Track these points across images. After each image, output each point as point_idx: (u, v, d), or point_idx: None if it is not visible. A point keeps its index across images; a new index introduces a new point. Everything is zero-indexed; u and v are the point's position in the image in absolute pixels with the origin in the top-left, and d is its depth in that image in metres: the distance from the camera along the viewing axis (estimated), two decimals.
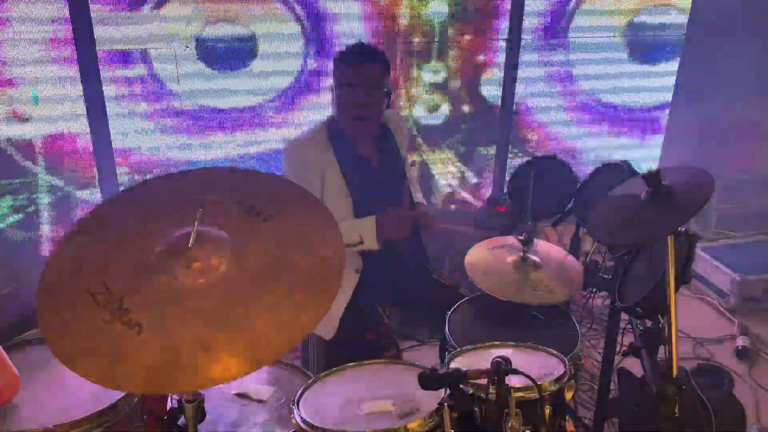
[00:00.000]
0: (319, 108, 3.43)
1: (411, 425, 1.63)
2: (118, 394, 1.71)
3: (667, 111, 4.21)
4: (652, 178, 1.83)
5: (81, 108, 3.11)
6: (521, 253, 2.41)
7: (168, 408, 1.70)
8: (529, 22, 3.70)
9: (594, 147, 4.16)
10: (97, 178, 3.24)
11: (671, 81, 4.13)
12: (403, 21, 3.48)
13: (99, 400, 1.68)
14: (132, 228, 1.53)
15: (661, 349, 1.83)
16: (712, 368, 3.14)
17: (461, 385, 1.63)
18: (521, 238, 2.39)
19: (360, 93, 2.36)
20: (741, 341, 3.37)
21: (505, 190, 3.07)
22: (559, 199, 2.82)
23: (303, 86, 3.42)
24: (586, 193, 2.70)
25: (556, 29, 3.79)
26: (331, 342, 2.46)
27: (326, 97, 2.56)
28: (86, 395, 1.72)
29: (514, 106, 3.86)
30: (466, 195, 3.97)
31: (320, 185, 2.40)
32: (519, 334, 2.03)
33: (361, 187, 2.46)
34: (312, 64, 3.40)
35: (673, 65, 4.09)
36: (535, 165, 2.94)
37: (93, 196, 3.28)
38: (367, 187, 2.48)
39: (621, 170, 2.60)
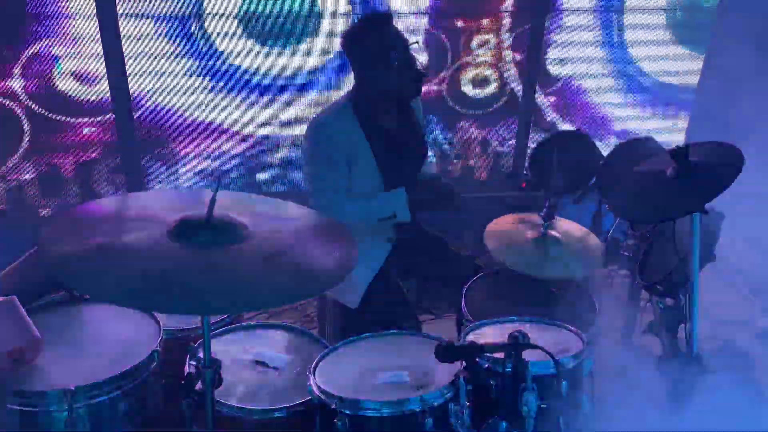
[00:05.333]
0: None
1: (426, 396, 1.63)
2: (138, 358, 1.73)
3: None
4: (678, 153, 1.79)
5: None
6: (542, 229, 2.38)
7: (186, 373, 1.73)
8: None
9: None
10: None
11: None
12: None
13: (119, 364, 1.71)
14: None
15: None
16: None
17: (477, 359, 1.63)
18: (542, 213, 2.37)
19: (411, 57, 2.32)
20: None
21: (527, 165, 3.02)
22: (581, 174, 2.78)
23: None
24: (609, 169, 2.65)
25: None
26: (352, 313, 2.47)
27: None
28: (107, 358, 1.75)
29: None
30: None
31: (347, 161, 2.38)
32: (537, 309, 2.02)
33: (389, 160, 2.44)
34: None
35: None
36: (558, 139, 2.90)
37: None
38: (396, 159, 2.46)
39: (646, 146, 2.55)
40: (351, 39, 2.36)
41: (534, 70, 3.78)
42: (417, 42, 2.37)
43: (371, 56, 2.31)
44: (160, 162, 3.40)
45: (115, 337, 1.84)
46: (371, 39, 2.31)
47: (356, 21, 2.41)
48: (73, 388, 1.60)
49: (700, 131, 4.06)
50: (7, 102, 3.08)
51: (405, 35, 2.34)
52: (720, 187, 1.65)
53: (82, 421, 1.63)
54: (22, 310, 1.73)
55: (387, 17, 2.34)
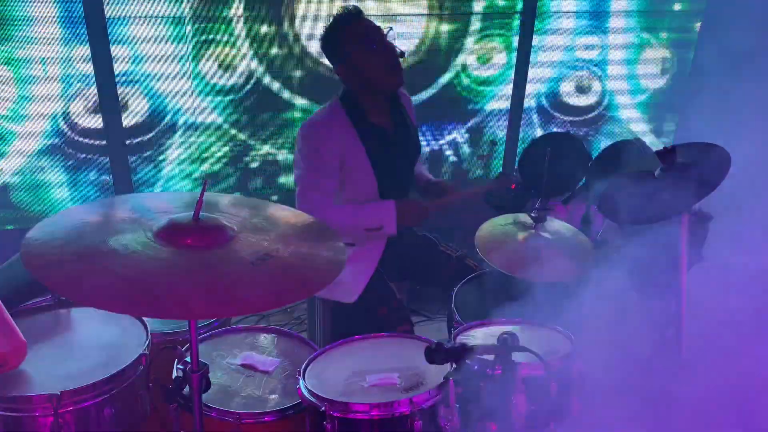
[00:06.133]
0: None
1: (415, 398, 1.63)
2: (125, 363, 1.72)
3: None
4: (666, 154, 1.80)
5: None
6: (532, 230, 2.38)
7: (173, 377, 1.71)
8: None
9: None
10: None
11: None
12: None
13: (105, 368, 1.69)
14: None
15: None
16: None
17: (467, 360, 1.63)
18: (534, 215, 2.37)
19: (388, 44, 2.32)
20: None
21: (516, 166, 3.02)
22: (570, 176, 2.78)
23: None
24: (598, 171, 2.66)
25: None
26: (342, 316, 2.46)
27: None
28: (93, 362, 1.73)
29: None
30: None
31: (339, 164, 2.37)
32: (527, 311, 2.01)
33: (382, 160, 2.44)
34: None
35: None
36: (548, 141, 2.91)
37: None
38: (388, 159, 2.46)
39: (635, 147, 2.55)
40: (326, 39, 2.37)
41: (524, 71, 3.79)
42: (391, 28, 2.36)
43: (348, 50, 2.32)
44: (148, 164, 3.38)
45: (101, 341, 1.83)
46: (345, 33, 2.32)
47: (344, 10, 2.37)
48: (59, 393, 1.58)
49: (690, 130, 4.08)
50: None
51: (378, 24, 2.35)
52: (707, 188, 1.66)
53: (68, 426, 1.61)
54: (7, 314, 1.71)
55: (356, 12, 2.35)
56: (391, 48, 2.34)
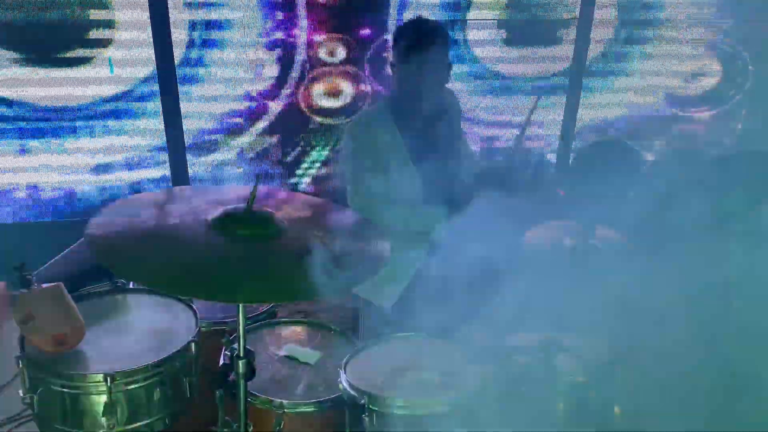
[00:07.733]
0: None
1: (453, 396, 1.64)
2: (175, 347, 1.78)
3: None
4: (718, 164, 1.76)
5: None
6: (581, 238, 2.34)
7: (220, 364, 1.77)
8: None
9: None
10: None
11: None
12: None
13: (157, 352, 1.76)
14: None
15: None
16: None
17: (508, 362, 1.63)
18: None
19: (421, 73, 2.31)
20: None
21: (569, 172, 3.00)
22: (622, 183, 2.74)
23: None
24: (651, 178, 2.61)
25: None
26: (385, 315, 2.47)
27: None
28: (145, 346, 1.80)
29: None
30: None
31: (384, 162, 2.40)
32: (571, 315, 1.99)
33: (425, 162, 2.46)
34: None
35: None
36: (601, 148, 2.87)
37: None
38: (432, 162, 2.47)
39: (689, 156, 2.50)
40: (396, 34, 2.36)
41: (580, 73, 3.73)
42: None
43: (398, 58, 2.33)
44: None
45: (154, 326, 1.90)
46: (404, 46, 2.31)
47: (413, 20, 2.37)
48: (113, 373, 1.66)
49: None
50: None
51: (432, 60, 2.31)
52: (758, 198, 1.62)
53: (120, 405, 1.69)
54: (69, 296, 1.80)
55: (430, 34, 2.31)
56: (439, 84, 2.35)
